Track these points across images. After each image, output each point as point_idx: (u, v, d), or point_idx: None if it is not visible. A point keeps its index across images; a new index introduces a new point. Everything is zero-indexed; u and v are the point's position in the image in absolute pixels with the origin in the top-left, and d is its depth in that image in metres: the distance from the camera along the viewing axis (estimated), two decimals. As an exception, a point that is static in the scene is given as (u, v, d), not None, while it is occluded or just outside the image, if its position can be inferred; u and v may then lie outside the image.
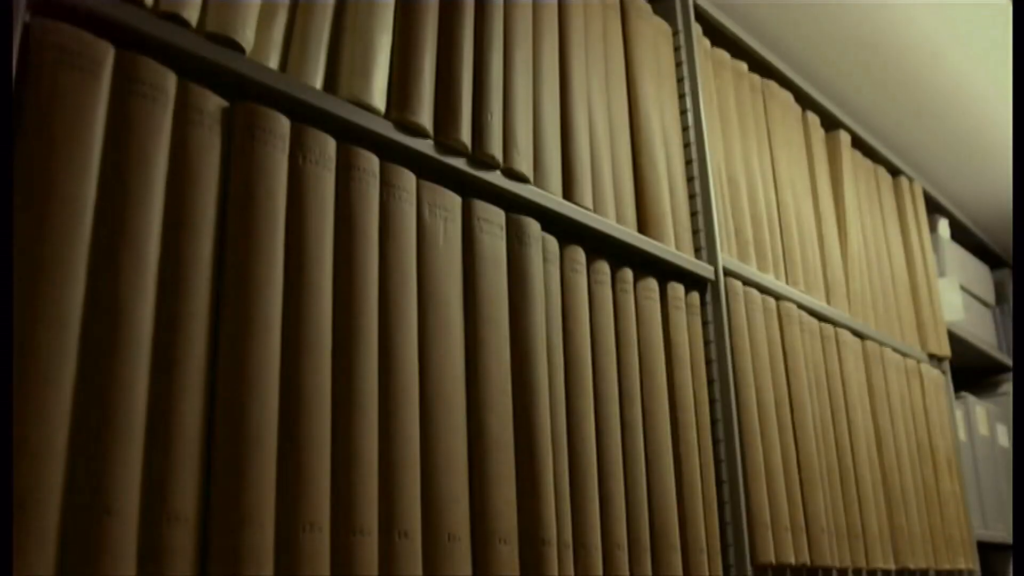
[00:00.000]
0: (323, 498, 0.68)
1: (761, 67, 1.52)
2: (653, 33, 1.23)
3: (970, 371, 2.22)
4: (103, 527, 0.57)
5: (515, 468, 0.83)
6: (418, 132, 0.83)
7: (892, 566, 1.39)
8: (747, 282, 1.24)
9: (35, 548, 0.54)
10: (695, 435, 1.05)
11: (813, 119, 1.60)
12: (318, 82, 0.78)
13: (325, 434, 0.69)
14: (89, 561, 0.56)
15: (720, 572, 1.04)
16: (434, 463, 0.76)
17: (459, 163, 0.87)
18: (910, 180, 1.90)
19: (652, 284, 1.06)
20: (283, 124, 0.73)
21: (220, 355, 0.66)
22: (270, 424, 0.66)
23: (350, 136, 0.80)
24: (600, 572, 0.87)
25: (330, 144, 0.76)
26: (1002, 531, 1.99)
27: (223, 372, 0.65)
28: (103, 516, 0.57)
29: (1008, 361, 2.19)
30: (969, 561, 1.67)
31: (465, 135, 0.86)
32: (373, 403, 0.73)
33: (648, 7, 1.24)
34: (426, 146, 0.84)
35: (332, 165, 0.76)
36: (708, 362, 1.14)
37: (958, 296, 1.98)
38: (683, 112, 1.24)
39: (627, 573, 0.90)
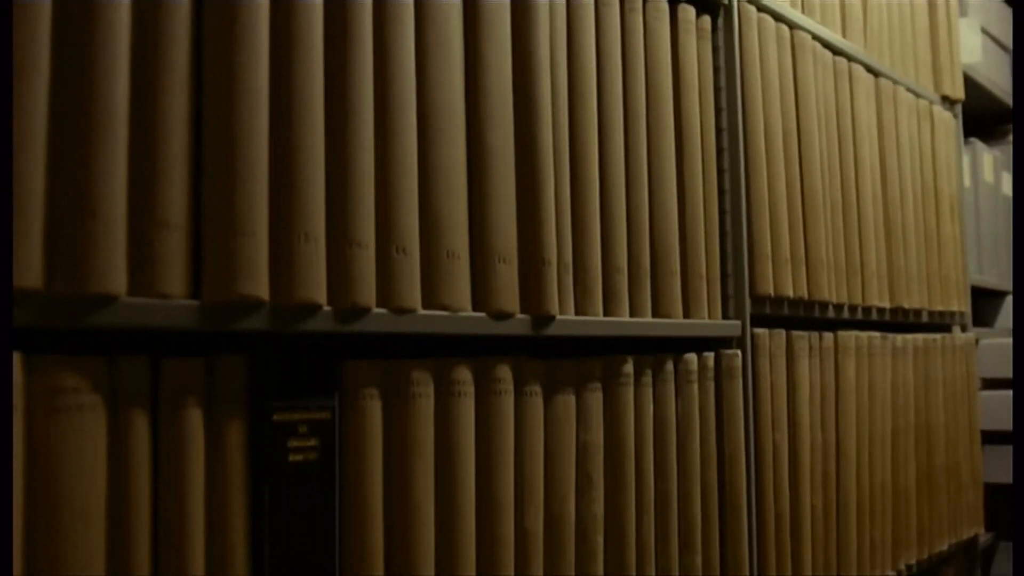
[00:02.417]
0: (318, 208, 0.66)
1: None
2: None
3: (981, 116, 2.17)
4: (88, 230, 0.55)
5: (516, 187, 0.80)
6: None
7: (887, 304, 1.40)
8: (761, 7, 1.17)
9: (21, 250, 0.52)
10: (700, 163, 1.02)
11: None
12: None
13: (319, 140, 0.66)
14: (77, 264, 0.55)
15: (718, 300, 1.05)
16: (433, 178, 0.73)
17: None
18: (939, -91, 1.78)
19: (662, 5, 1.00)
20: None
21: (205, 49, 0.62)
22: (260, 126, 0.63)
23: None
24: (599, 294, 0.87)
25: None
26: (996, 277, 2.01)
27: (209, 66, 0.62)
28: (88, 219, 0.56)
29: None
30: (962, 304, 1.69)
31: None
32: (368, 107, 0.69)
33: None
34: None
35: None
36: (717, 90, 1.09)
37: (977, 38, 1.90)
38: None
39: (626, 296, 0.90)
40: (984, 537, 1.82)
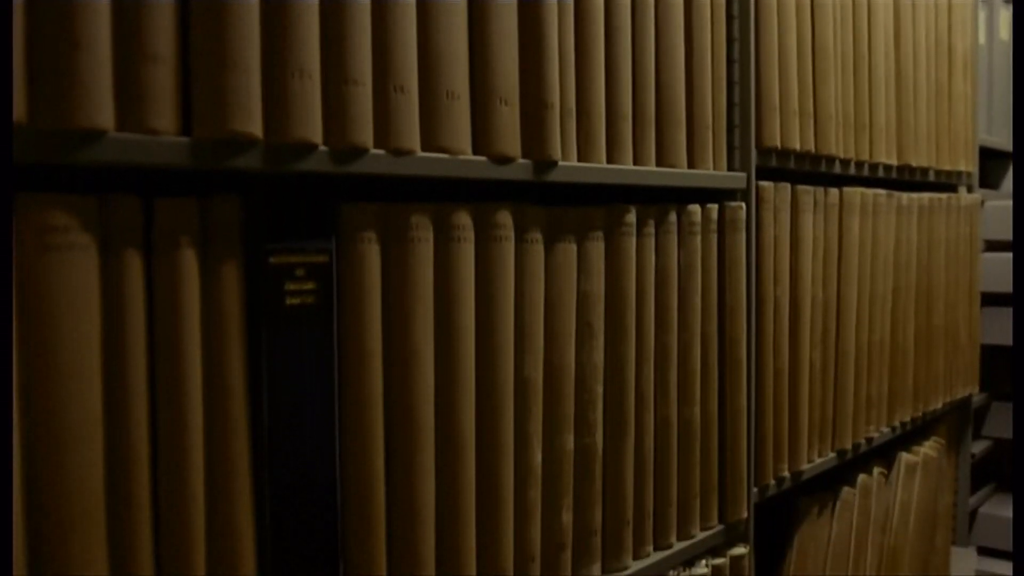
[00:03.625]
0: (313, 44, 0.63)
1: None
2: None
3: (999, -29, 2.09)
4: (72, 62, 0.53)
5: (518, 27, 0.77)
6: None
7: (894, 161, 1.38)
8: None
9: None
10: (709, 10, 0.98)
11: None
12: None
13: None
14: (62, 97, 0.52)
15: (724, 152, 1.02)
16: (432, 14, 0.70)
17: None
18: None
19: None
20: None
21: None
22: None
23: None
24: (603, 141, 0.85)
25: None
26: (1005, 138, 1.97)
27: None
28: (71, 51, 0.53)
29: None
30: (969, 164, 1.67)
31: None
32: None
33: None
34: None
35: None
36: (729, -69, 1.05)
37: None
38: None
39: (630, 144, 0.88)
40: (978, 397, 1.84)
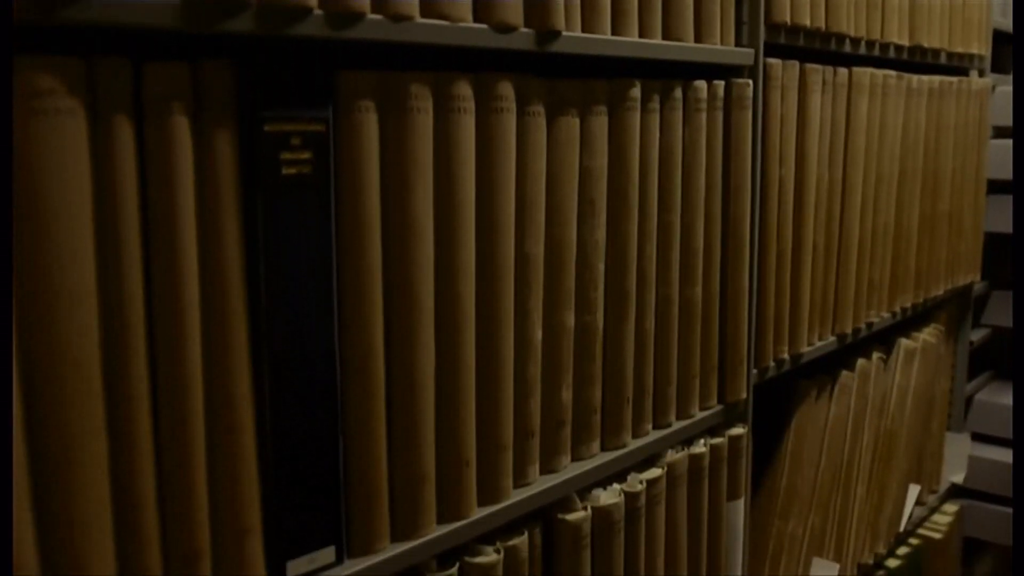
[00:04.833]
0: (304, -101, 0.60)
1: None
2: None
3: None
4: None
5: None
6: None
7: (906, 42, 1.35)
8: None
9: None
10: None
11: None
12: None
13: None
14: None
15: (732, 26, 0.99)
16: None
17: None
18: None
19: None
20: None
21: None
22: None
23: None
24: (608, 11, 0.82)
25: None
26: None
27: None
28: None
29: None
30: (983, 47, 1.63)
31: None
32: None
33: None
34: None
35: None
36: None
37: None
38: None
39: (636, 16, 0.85)
40: (979, 285, 1.84)
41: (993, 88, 1.77)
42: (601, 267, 0.85)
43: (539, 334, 0.80)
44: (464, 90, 0.71)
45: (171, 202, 0.57)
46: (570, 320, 0.83)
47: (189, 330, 0.59)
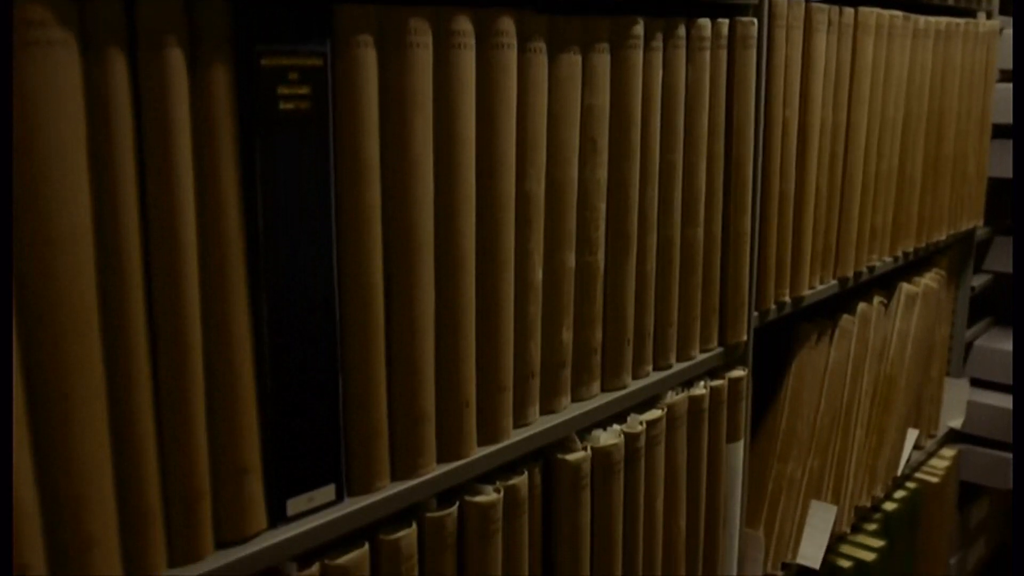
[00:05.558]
0: None
1: None
2: None
3: None
4: None
5: None
6: None
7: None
8: None
9: None
10: None
11: None
12: None
13: None
14: None
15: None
16: None
17: None
18: None
19: None
20: None
21: None
22: None
23: None
24: (611, -55, 0.81)
25: None
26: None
27: None
28: None
29: None
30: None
31: None
32: None
33: None
34: None
35: None
36: None
37: None
38: None
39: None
40: (981, 230, 1.83)
41: (1001, 31, 1.75)
42: (602, 207, 0.85)
43: (539, 274, 0.80)
44: (464, 25, 0.70)
45: (167, 138, 0.56)
46: (571, 260, 0.82)
47: (187, 269, 0.58)
